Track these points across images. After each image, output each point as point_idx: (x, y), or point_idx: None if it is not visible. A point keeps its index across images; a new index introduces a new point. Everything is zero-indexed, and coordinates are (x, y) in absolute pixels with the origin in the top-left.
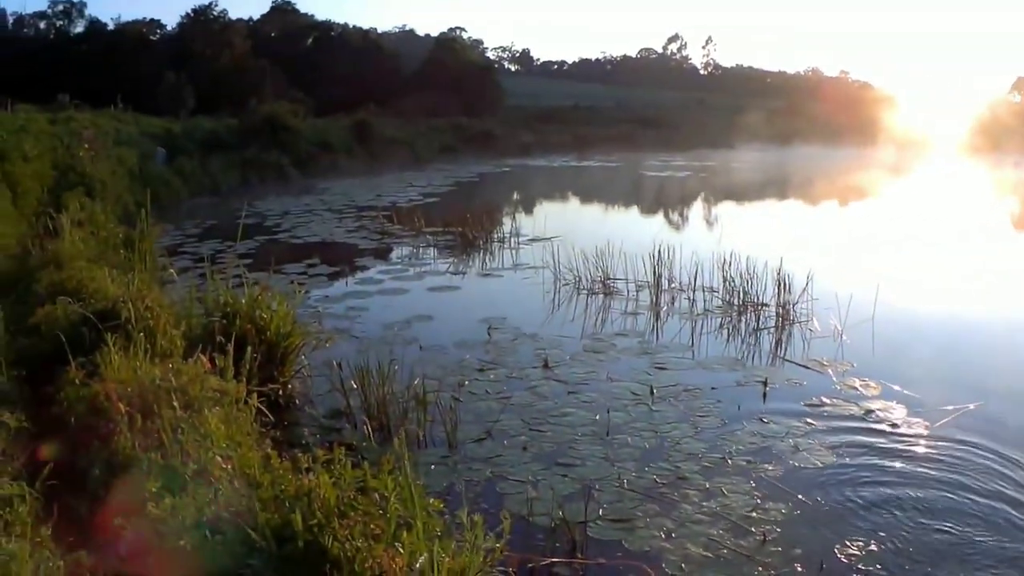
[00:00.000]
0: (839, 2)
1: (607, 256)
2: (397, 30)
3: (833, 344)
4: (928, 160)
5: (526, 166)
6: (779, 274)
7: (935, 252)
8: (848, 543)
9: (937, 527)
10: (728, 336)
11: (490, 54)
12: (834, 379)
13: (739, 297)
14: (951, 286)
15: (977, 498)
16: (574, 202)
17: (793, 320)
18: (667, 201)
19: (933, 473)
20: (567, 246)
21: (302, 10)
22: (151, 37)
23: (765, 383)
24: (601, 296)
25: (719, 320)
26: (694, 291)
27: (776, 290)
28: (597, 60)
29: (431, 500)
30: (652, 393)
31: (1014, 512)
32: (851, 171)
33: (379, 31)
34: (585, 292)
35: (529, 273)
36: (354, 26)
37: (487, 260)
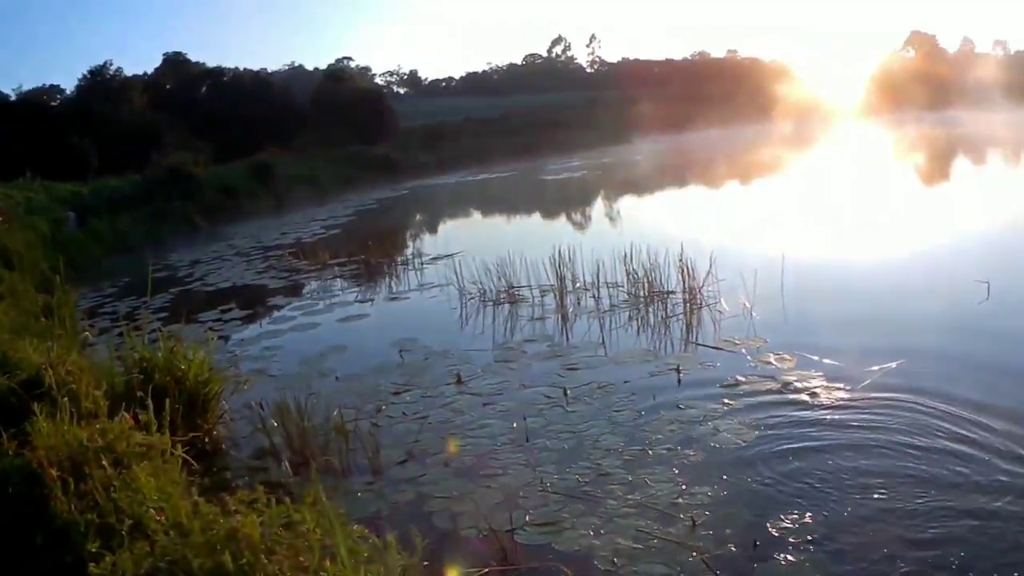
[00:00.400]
0: None
1: (509, 265)
2: (287, 67)
3: (744, 322)
4: (828, 127)
5: (425, 186)
6: (682, 260)
7: (837, 219)
8: (780, 517)
9: (868, 490)
10: (638, 328)
11: (379, 80)
12: (748, 357)
13: (644, 288)
14: (857, 250)
15: (906, 454)
16: (475, 216)
17: (701, 304)
18: (566, 203)
19: (857, 436)
20: (469, 261)
21: (193, 59)
22: (52, 103)
23: (678, 370)
24: (507, 305)
25: (627, 314)
26: (599, 288)
27: (680, 277)
28: (484, 72)
29: (354, 527)
30: (566, 395)
31: (946, 464)
32: (748, 149)
33: (269, 71)
34: (491, 303)
35: (435, 291)
36: (244, 68)
37: (393, 284)
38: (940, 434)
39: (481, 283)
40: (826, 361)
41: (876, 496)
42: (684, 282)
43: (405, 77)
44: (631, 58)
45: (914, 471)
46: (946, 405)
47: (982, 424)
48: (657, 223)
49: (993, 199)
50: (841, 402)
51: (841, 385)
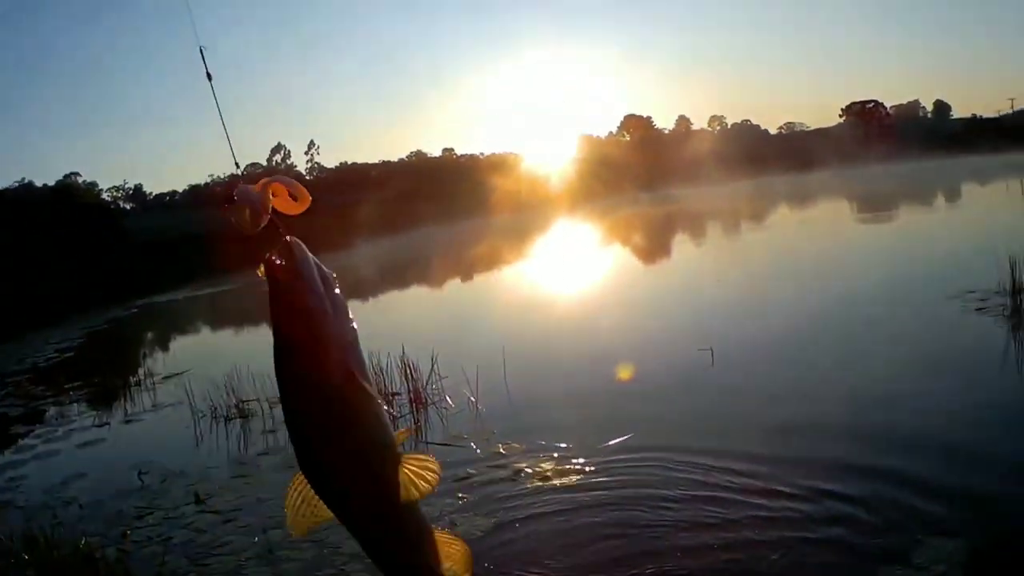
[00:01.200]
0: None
1: (236, 380)
2: (17, 184)
3: (471, 416)
4: (546, 217)
5: (154, 303)
6: (403, 361)
7: (557, 305)
8: None
9: (609, 552)
10: None
11: (106, 195)
12: (478, 450)
13: None
14: (580, 333)
15: (657, 506)
16: (203, 330)
17: (427, 402)
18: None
19: (599, 500)
20: (199, 378)
21: None
22: None
23: None
24: (239, 420)
25: None
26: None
27: (403, 378)
28: (206, 184)
29: None
30: None
31: (698, 507)
32: (467, 245)
33: None
34: (223, 419)
35: (168, 411)
36: None
37: (128, 406)
38: (684, 485)
39: (212, 400)
40: (556, 444)
41: (630, 544)
42: (408, 383)
43: (131, 192)
44: (349, 162)
45: (671, 519)
46: (686, 457)
47: (724, 469)
48: (379, 326)
49: (703, 269)
50: (576, 479)
51: (574, 463)
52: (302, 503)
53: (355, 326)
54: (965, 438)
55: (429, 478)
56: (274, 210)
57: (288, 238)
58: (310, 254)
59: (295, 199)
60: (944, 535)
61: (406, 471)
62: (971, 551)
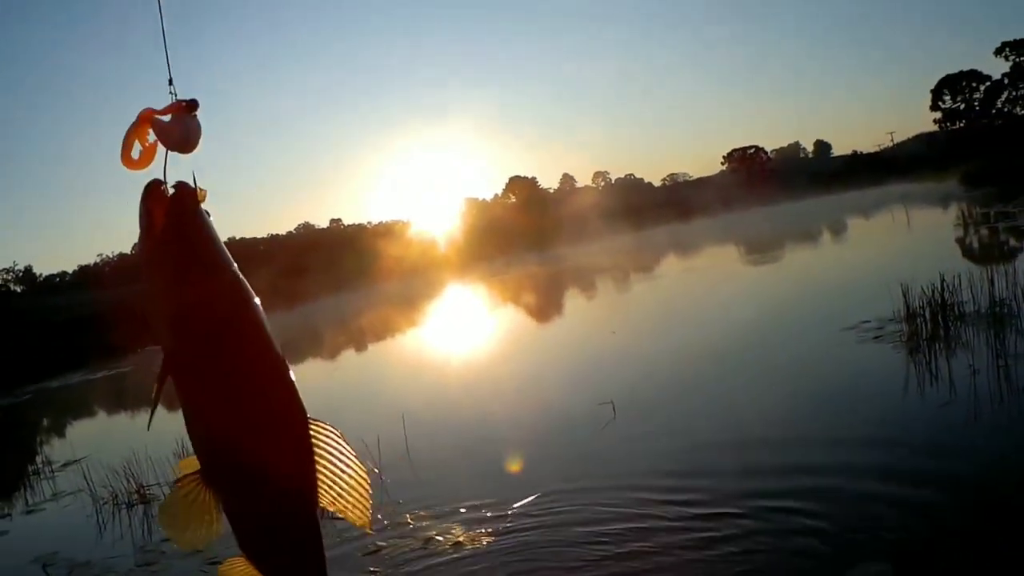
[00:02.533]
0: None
1: (135, 464)
2: None
3: (375, 487)
4: (433, 283)
5: (47, 388)
6: None
7: (451, 370)
8: None
9: None
10: None
11: None
12: (385, 521)
13: None
14: (478, 397)
15: (558, 564)
16: (100, 414)
17: None
18: (166, 398)
19: (500, 569)
20: (98, 464)
21: None
22: None
23: None
24: (141, 506)
25: None
26: None
27: None
28: (95, 264)
29: None
30: None
31: (627, 538)
32: (356, 315)
33: None
34: (124, 505)
35: (68, 499)
36: None
37: (28, 496)
38: (596, 535)
39: (112, 486)
40: (463, 508)
41: None
42: None
43: (20, 274)
44: (237, 237)
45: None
46: (597, 507)
47: (632, 514)
48: None
49: (596, 323)
50: (488, 541)
51: (483, 526)
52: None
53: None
54: (876, 465)
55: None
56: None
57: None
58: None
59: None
60: (861, 562)
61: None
62: (891, 573)
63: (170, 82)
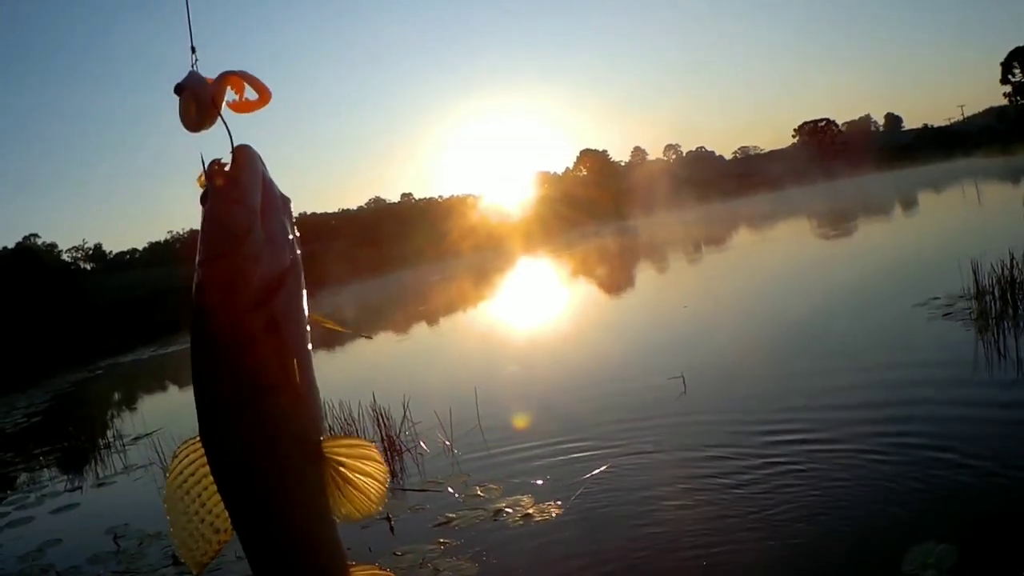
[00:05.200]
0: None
1: None
2: None
3: (447, 460)
4: (509, 256)
5: (119, 364)
6: (375, 409)
7: (526, 344)
8: None
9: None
10: None
11: (65, 256)
12: (455, 494)
13: None
14: (551, 371)
15: (630, 541)
16: (171, 389)
17: (401, 449)
18: None
19: (572, 543)
20: (168, 438)
21: None
22: None
23: (389, 519)
24: None
25: None
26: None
27: (376, 425)
28: (166, 241)
29: None
30: None
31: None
32: (427, 289)
33: None
34: None
35: (140, 472)
36: None
37: (99, 469)
38: (667, 512)
39: None
40: (534, 482)
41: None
42: (381, 430)
43: (91, 252)
44: (308, 212)
45: (659, 544)
46: (666, 486)
47: (705, 491)
48: (348, 375)
49: (669, 296)
50: (557, 513)
51: (554, 499)
52: (183, 481)
53: (298, 260)
54: (944, 443)
55: (367, 485)
56: (229, 111)
57: (241, 145)
58: (264, 166)
59: (254, 96)
60: (926, 540)
61: (333, 469)
62: (955, 554)
63: (192, 50)
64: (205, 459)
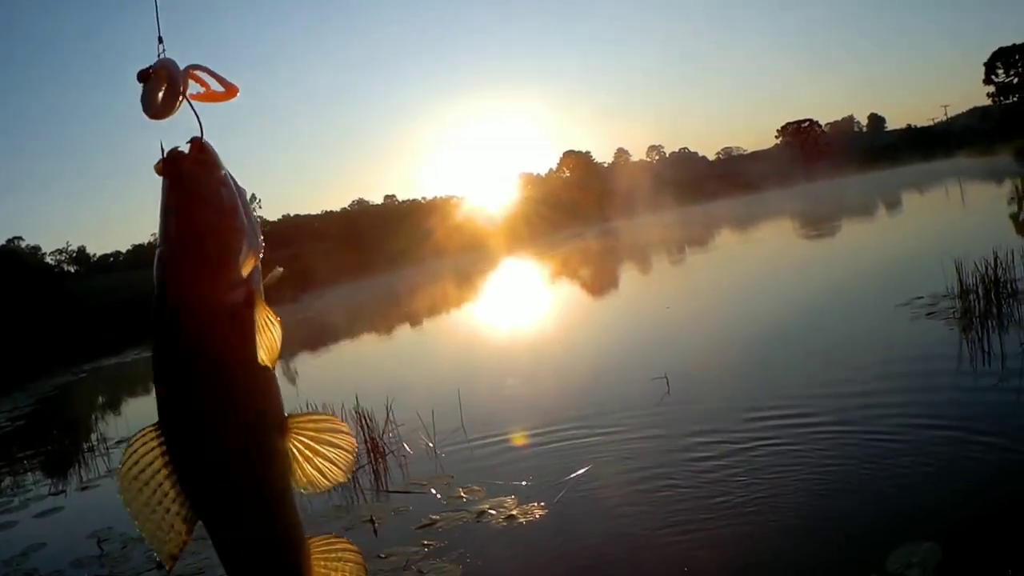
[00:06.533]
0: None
1: None
2: None
3: (429, 462)
4: (491, 258)
5: (103, 367)
6: (358, 410)
7: (506, 345)
8: None
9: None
10: None
11: (49, 259)
12: (438, 495)
13: None
14: (533, 373)
15: (611, 543)
16: (153, 393)
17: (385, 451)
18: None
19: (556, 543)
20: None
21: None
22: None
23: (373, 520)
24: None
25: None
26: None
27: (359, 428)
28: (149, 244)
29: None
30: None
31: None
32: (410, 291)
33: None
34: None
35: None
36: None
37: (83, 473)
38: (650, 515)
39: None
40: (517, 483)
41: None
42: (364, 432)
43: (75, 255)
44: (292, 214)
45: (638, 547)
46: (649, 486)
47: (687, 491)
48: (331, 377)
49: (651, 297)
50: (540, 515)
51: (537, 500)
52: (139, 470)
53: (263, 243)
54: (928, 443)
55: (334, 456)
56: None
57: (202, 138)
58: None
59: (220, 89)
60: (912, 539)
61: (300, 443)
62: (940, 553)
63: (160, 40)
64: (162, 448)
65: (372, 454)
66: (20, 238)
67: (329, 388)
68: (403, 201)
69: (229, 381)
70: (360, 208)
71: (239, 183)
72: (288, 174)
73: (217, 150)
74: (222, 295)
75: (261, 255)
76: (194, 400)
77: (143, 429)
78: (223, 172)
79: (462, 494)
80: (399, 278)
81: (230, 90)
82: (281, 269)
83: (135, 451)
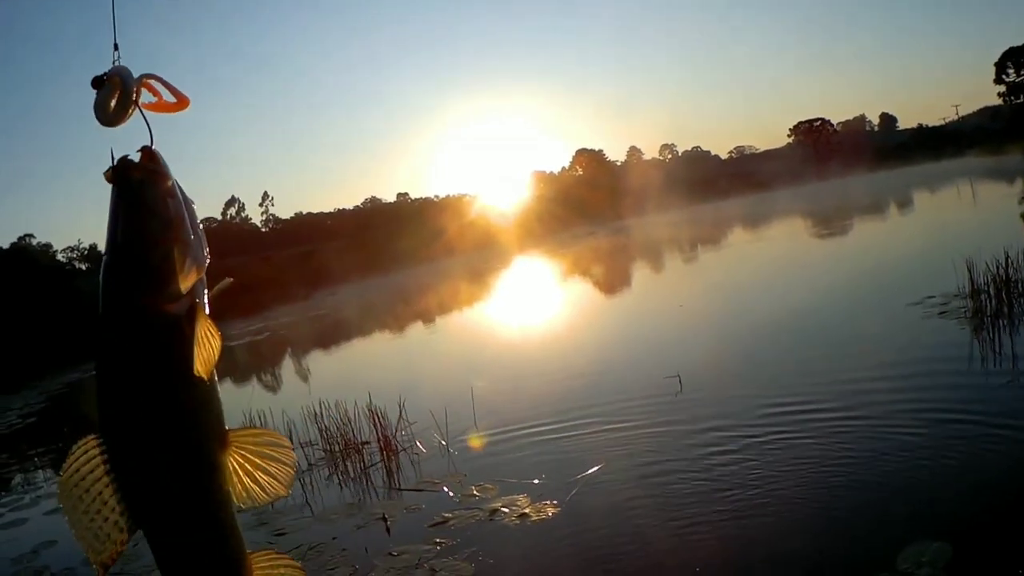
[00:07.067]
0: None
1: None
2: None
3: (442, 460)
4: (504, 256)
5: None
6: (371, 409)
7: (520, 343)
8: None
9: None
10: (340, 483)
11: (60, 256)
12: (451, 493)
13: (339, 443)
14: (546, 371)
15: (625, 540)
16: None
17: (397, 449)
18: (253, 368)
19: (568, 541)
20: None
21: None
22: None
23: (385, 519)
24: None
25: (326, 471)
26: (294, 449)
27: (372, 426)
28: None
29: None
30: None
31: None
32: (423, 289)
33: None
34: None
35: None
36: None
37: None
38: (662, 512)
39: None
40: (528, 482)
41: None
42: (377, 430)
43: (86, 252)
44: (304, 212)
45: (653, 544)
46: (662, 485)
47: (700, 491)
48: (344, 375)
49: (664, 296)
50: (553, 512)
51: (550, 499)
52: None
53: (208, 256)
54: (939, 442)
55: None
56: (146, 112)
57: (152, 147)
58: None
59: (171, 99)
60: (922, 538)
61: (242, 456)
62: (950, 552)
63: (115, 47)
64: (103, 457)
65: (385, 452)
66: (31, 235)
67: (342, 386)
68: (415, 199)
69: (168, 392)
70: (372, 206)
71: (187, 194)
72: (301, 172)
73: (167, 160)
74: (163, 305)
75: (206, 267)
76: (132, 410)
77: (86, 438)
78: (171, 183)
79: (475, 492)
80: (411, 275)
81: (181, 101)
82: (230, 279)
83: (76, 460)
